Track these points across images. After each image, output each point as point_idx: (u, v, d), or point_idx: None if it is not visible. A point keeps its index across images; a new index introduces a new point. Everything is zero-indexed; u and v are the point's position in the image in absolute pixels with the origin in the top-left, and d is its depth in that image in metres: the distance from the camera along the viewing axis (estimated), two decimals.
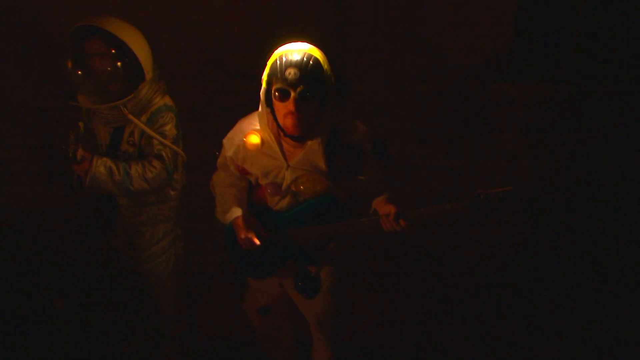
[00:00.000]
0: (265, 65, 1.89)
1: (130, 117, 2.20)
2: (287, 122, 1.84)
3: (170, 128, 2.27)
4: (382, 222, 1.92)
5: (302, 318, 2.33)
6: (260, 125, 1.97)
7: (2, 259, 3.52)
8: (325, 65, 1.84)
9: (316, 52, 1.84)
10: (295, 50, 1.82)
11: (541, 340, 3.08)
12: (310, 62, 1.80)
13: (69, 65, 2.16)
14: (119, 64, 2.15)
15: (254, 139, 1.96)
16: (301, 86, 1.77)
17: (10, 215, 3.49)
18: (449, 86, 3.35)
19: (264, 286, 2.32)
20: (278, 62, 1.81)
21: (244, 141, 1.98)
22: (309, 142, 1.92)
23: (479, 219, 1.84)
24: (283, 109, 1.82)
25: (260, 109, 1.95)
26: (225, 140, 2.09)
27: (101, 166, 2.16)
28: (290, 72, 1.77)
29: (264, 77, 1.88)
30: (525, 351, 3.00)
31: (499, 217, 1.82)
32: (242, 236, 2.06)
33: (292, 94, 1.78)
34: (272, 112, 1.90)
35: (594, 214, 3.64)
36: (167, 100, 2.32)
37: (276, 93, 1.81)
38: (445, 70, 3.32)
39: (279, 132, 1.94)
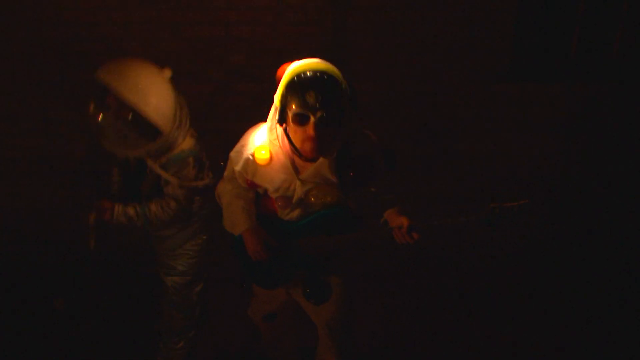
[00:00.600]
0: (274, 76, 1.85)
1: (151, 165, 2.26)
2: (306, 147, 1.77)
3: (187, 171, 2.28)
4: (395, 234, 1.89)
5: (308, 323, 2.32)
6: (270, 140, 1.93)
7: (2, 259, 3.52)
8: (343, 84, 1.77)
9: (333, 70, 1.78)
10: (311, 69, 1.74)
11: (542, 340, 3.08)
12: (330, 83, 1.73)
13: (92, 112, 2.21)
14: (130, 121, 2.15)
15: (264, 154, 1.91)
16: (321, 111, 1.70)
17: (10, 215, 3.49)
18: (449, 86, 3.35)
19: (270, 293, 2.30)
20: (297, 82, 1.73)
21: (253, 156, 1.94)
22: (321, 158, 1.87)
23: (492, 231, 1.83)
24: (302, 133, 1.75)
25: (269, 124, 1.91)
26: (232, 154, 2.04)
27: (122, 216, 2.29)
28: (311, 96, 1.69)
29: (278, 96, 1.81)
30: (526, 351, 3.00)
31: (512, 229, 1.81)
32: (252, 248, 2.04)
33: (312, 118, 1.71)
34: (285, 129, 1.84)
35: (593, 213, 3.64)
36: (188, 143, 2.29)
37: (295, 117, 1.74)
38: (445, 70, 3.32)
39: (292, 148, 1.89)
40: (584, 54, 3.38)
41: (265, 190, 2.04)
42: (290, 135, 1.82)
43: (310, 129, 1.72)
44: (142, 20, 3.15)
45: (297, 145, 1.81)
